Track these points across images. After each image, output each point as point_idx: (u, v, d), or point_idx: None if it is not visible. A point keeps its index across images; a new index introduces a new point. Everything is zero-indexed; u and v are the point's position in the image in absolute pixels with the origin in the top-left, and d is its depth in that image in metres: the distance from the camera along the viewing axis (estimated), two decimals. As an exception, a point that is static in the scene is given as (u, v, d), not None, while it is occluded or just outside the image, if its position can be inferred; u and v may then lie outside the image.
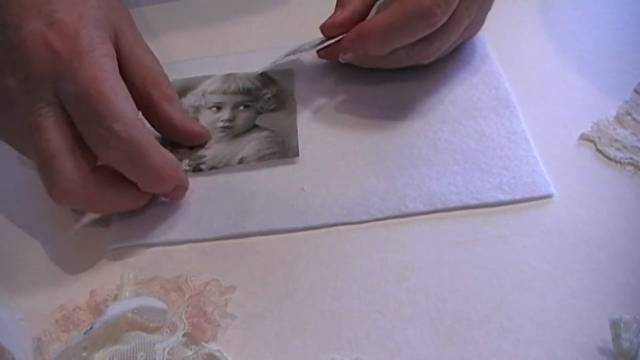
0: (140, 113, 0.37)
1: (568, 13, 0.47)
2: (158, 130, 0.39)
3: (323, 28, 0.40)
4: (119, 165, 0.33)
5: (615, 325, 0.27)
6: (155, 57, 0.38)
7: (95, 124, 0.32)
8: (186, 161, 0.39)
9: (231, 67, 0.45)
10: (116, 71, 0.34)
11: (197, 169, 0.39)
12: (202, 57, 0.47)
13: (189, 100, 0.43)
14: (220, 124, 0.41)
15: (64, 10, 0.33)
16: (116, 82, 0.33)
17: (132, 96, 0.34)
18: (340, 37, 0.40)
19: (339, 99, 0.42)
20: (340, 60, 0.40)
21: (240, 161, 0.38)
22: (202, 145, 0.40)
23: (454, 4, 0.37)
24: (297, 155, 0.38)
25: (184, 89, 0.44)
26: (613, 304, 0.30)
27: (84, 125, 0.32)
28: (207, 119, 0.42)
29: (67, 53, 0.32)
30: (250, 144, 0.40)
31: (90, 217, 0.37)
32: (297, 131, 0.40)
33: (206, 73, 0.45)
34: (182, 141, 0.39)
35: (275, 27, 0.49)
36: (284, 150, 0.39)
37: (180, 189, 0.36)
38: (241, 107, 0.42)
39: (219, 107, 0.42)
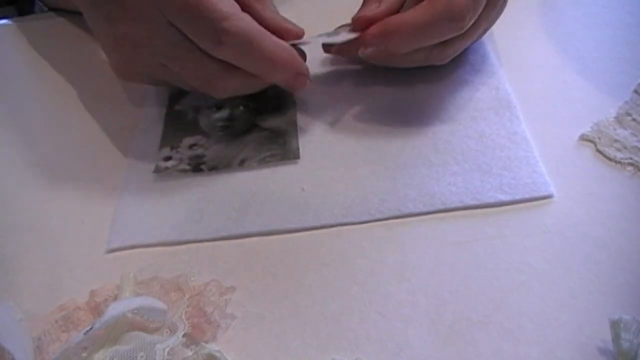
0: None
1: (568, 13, 0.47)
2: None
3: (355, 21, 0.39)
4: (236, 61, 0.36)
5: (615, 325, 0.27)
6: None
7: (204, 28, 0.34)
8: (186, 161, 0.39)
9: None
10: None
11: (197, 169, 0.38)
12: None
13: (189, 100, 0.43)
14: (220, 124, 0.41)
15: None
16: None
17: None
18: (356, 34, 0.39)
19: (339, 99, 0.42)
20: (360, 54, 0.39)
21: (241, 163, 0.38)
22: (202, 145, 0.40)
23: (480, 9, 0.37)
24: (298, 157, 0.38)
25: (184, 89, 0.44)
26: (613, 304, 0.30)
27: (195, 32, 0.35)
28: (207, 119, 0.41)
29: None
30: (250, 145, 0.40)
31: (90, 217, 0.37)
32: (297, 132, 0.40)
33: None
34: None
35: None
36: (284, 151, 0.39)
37: (301, 77, 0.38)
38: (241, 107, 0.42)
39: (218, 107, 0.42)
